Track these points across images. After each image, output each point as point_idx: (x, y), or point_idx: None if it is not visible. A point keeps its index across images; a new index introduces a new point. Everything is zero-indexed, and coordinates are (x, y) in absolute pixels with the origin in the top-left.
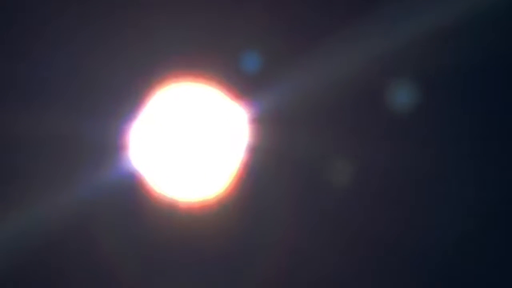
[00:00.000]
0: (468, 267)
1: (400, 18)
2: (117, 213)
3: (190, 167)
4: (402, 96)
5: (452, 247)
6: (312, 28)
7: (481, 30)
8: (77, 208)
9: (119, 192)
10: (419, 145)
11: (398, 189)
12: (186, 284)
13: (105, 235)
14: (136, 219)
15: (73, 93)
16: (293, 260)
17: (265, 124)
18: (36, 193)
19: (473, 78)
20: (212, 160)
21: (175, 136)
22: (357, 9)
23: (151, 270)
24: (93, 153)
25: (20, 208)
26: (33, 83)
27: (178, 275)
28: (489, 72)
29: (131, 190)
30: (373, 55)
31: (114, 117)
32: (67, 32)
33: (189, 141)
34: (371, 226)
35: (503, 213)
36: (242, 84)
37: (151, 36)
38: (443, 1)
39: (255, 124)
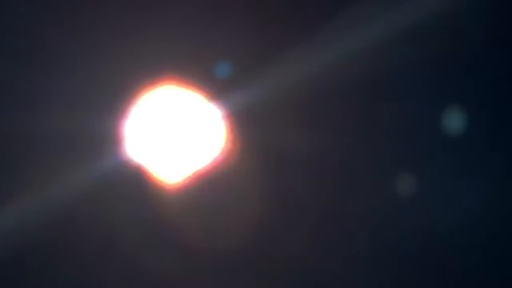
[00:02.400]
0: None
1: (362, 22)
2: (114, 198)
3: (175, 154)
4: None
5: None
6: (280, 35)
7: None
8: (79, 194)
9: (117, 178)
10: (387, 138)
11: (371, 178)
12: (181, 264)
13: (106, 218)
14: (132, 202)
15: (72, 92)
16: (265, 245)
17: (237, 120)
18: (40, 182)
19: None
20: (193, 149)
21: (162, 130)
22: (321, 14)
23: (149, 249)
24: (91, 145)
25: (23, 197)
26: (36, 84)
27: (173, 253)
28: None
29: (127, 176)
30: (338, 57)
31: (109, 113)
32: (65, 34)
33: (174, 133)
34: (345, 215)
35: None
36: (217, 87)
37: (144, 48)
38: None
39: (229, 119)
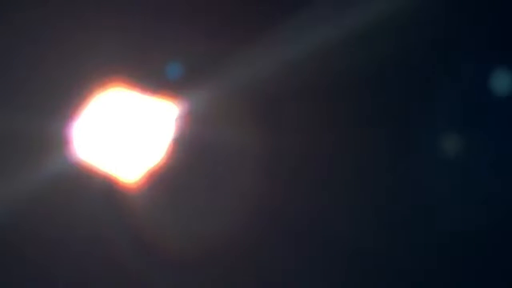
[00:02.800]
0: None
1: (317, 20)
2: (62, 199)
3: (126, 155)
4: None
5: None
6: (234, 34)
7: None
8: (26, 196)
9: (64, 181)
10: (339, 133)
11: (330, 178)
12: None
13: (54, 220)
14: (81, 203)
15: (20, 93)
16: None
17: (188, 119)
18: None
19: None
20: (142, 151)
21: (112, 130)
22: (275, 12)
23: (99, 250)
24: (39, 146)
25: None
26: None
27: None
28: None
29: (76, 178)
30: (293, 56)
31: (58, 115)
32: (13, 34)
33: (124, 134)
34: (296, 215)
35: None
36: (168, 87)
37: (92, 48)
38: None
39: (179, 120)
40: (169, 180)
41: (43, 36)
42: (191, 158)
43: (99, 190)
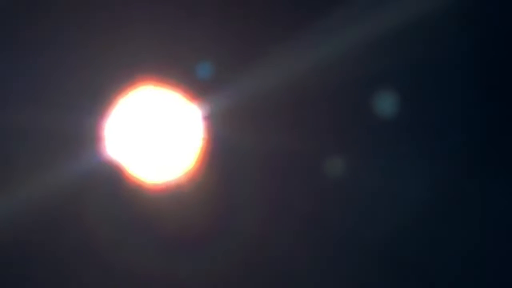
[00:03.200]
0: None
1: (346, 23)
2: (94, 197)
3: (156, 154)
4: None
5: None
6: (264, 36)
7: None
8: (58, 193)
9: (96, 178)
10: (359, 139)
11: (356, 179)
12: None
13: (85, 217)
14: (111, 201)
15: (53, 92)
16: (251, 243)
17: (216, 120)
18: (19, 181)
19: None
20: (173, 149)
21: (143, 129)
22: (301, 17)
23: (128, 249)
24: (72, 144)
25: (5, 194)
26: (17, 83)
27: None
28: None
29: (106, 176)
30: (321, 58)
31: (90, 113)
32: (47, 34)
33: (154, 133)
34: (328, 216)
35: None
36: (197, 87)
37: (124, 48)
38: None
39: (208, 120)
40: (196, 178)
41: (76, 36)
42: (219, 158)
43: (127, 187)
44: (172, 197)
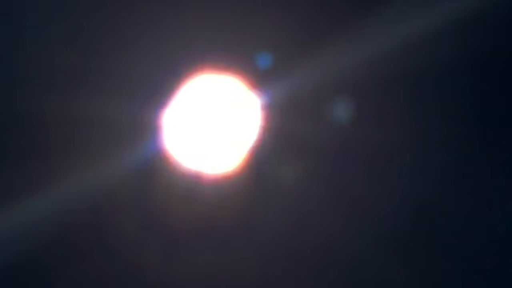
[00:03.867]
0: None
1: (401, 16)
2: (152, 186)
3: (213, 145)
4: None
5: None
6: (318, 28)
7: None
8: (117, 179)
9: (154, 166)
10: (422, 131)
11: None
12: (209, 254)
13: (143, 206)
14: (166, 190)
15: (114, 80)
16: (300, 234)
17: (275, 109)
18: (78, 169)
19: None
20: (231, 139)
21: (201, 118)
22: (359, 9)
23: (178, 239)
24: (132, 133)
25: (62, 183)
26: (88, 74)
27: (201, 245)
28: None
29: (164, 164)
30: (378, 49)
31: (150, 102)
32: (108, 24)
33: (212, 123)
34: (372, 199)
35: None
36: (257, 76)
37: (184, 38)
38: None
39: (267, 109)
40: (252, 171)
41: (137, 26)
42: (275, 149)
43: (184, 178)
44: (229, 188)
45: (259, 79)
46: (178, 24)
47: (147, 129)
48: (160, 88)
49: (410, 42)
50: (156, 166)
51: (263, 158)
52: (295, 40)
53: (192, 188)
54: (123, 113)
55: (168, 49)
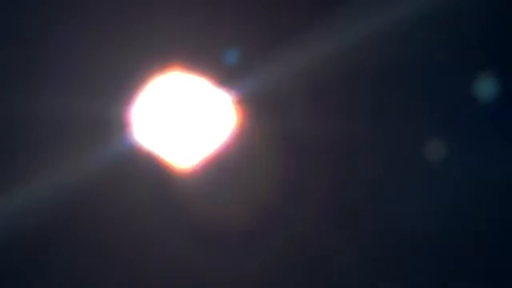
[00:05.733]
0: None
1: (373, 7)
2: (122, 183)
3: (183, 138)
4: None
5: None
6: (289, 20)
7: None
8: (87, 177)
9: (125, 161)
10: (397, 124)
11: (382, 163)
12: (188, 247)
13: (113, 202)
14: (139, 184)
15: (80, 78)
16: (271, 229)
17: (245, 105)
18: (47, 168)
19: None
20: (202, 135)
21: (171, 114)
22: (327, 5)
23: (156, 233)
24: (99, 130)
25: (30, 183)
26: (44, 68)
27: (181, 237)
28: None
29: (135, 159)
30: (347, 42)
31: (117, 99)
32: (75, 20)
33: (182, 119)
34: (353, 202)
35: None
36: (226, 73)
37: (152, 35)
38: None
39: (238, 104)
40: (223, 165)
41: (103, 22)
42: (245, 144)
43: (155, 174)
44: (200, 182)
45: (226, 75)
46: (145, 21)
47: (116, 126)
48: (128, 84)
49: (373, 37)
50: (127, 162)
51: (233, 153)
52: (261, 36)
53: (165, 182)
54: (91, 110)
55: (136, 45)
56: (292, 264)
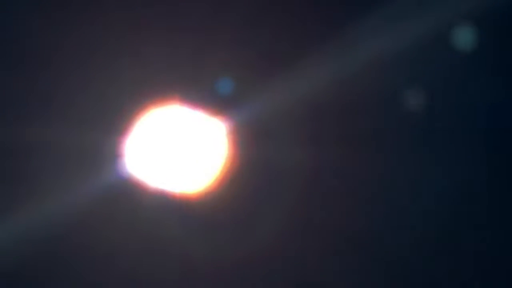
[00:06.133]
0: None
1: (361, 40)
2: (115, 212)
3: (178, 169)
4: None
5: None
6: (281, 51)
7: None
8: (79, 208)
9: (117, 193)
10: (390, 153)
11: (376, 193)
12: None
13: (105, 232)
14: (132, 215)
15: (74, 108)
16: (265, 258)
17: (239, 134)
18: (39, 196)
19: None
20: (196, 164)
21: (165, 145)
22: (322, 31)
23: (151, 264)
24: (92, 160)
25: (23, 210)
26: (38, 96)
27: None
28: None
29: (128, 190)
30: (340, 73)
31: (110, 130)
32: (69, 51)
33: (176, 149)
34: (346, 224)
35: None
36: (219, 103)
37: (146, 64)
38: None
39: (231, 134)
40: (218, 193)
41: (97, 53)
42: (241, 172)
43: (149, 204)
44: (195, 211)
45: (220, 105)
46: (140, 52)
47: (109, 156)
48: (122, 115)
49: (374, 62)
50: (120, 193)
51: (229, 182)
52: (255, 65)
53: (159, 213)
54: (85, 141)
55: (130, 76)
56: None
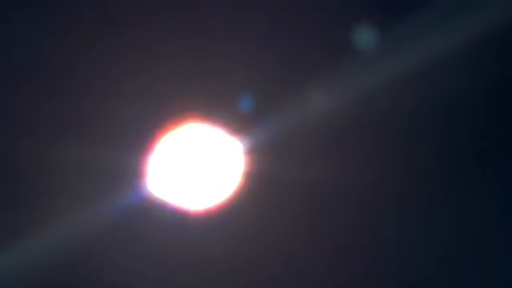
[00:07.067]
0: None
1: (385, 55)
2: (134, 232)
3: (196, 189)
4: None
5: None
6: (303, 68)
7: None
8: (98, 228)
9: (137, 213)
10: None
11: (396, 208)
12: None
13: (123, 252)
14: (151, 235)
15: (96, 127)
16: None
17: (258, 153)
18: (60, 215)
19: None
20: (215, 184)
21: (184, 164)
22: (341, 49)
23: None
24: (114, 179)
25: (43, 229)
26: (59, 115)
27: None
28: None
29: (147, 211)
30: (361, 89)
31: (132, 149)
32: (91, 70)
33: (195, 169)
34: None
35: None
36: (238, 121)
37: (166, 84)
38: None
39: (250, 153)
40: (238, 212)
41: (118, 71)
42: (261, 191)
43: (170, 223)
44: (215, 230)
45: (242, 123)
46: (159, 71)
47: (131, 175)
48: (143, 134)
49: (401, 78)
50: (141, 212)
51: (247, 201)
52: (276, 82)
53: (179, 232)
54: (107, 160)
55: (149, 95)
56: None
